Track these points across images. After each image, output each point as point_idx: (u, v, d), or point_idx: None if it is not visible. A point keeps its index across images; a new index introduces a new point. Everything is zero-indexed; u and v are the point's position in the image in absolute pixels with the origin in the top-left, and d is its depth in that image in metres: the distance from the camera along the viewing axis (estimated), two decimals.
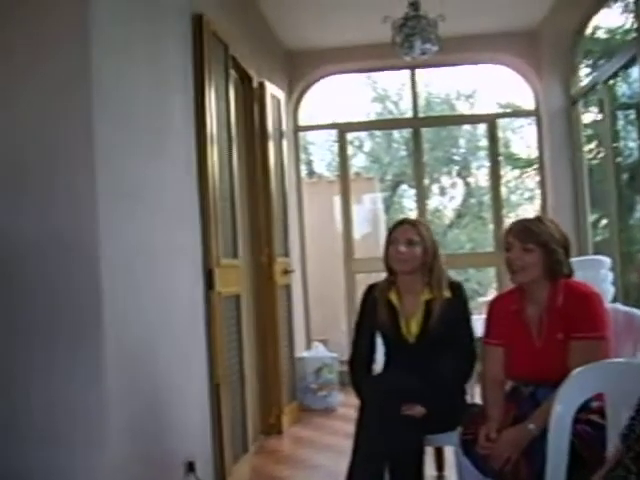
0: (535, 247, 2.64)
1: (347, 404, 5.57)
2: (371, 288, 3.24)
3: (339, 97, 11.48)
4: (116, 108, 2.82)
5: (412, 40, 4.91)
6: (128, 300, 2.82)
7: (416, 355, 3.06)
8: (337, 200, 7.52)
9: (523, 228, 2.70)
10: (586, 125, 6.66)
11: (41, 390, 2.60)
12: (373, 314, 3.15)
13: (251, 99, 5.19)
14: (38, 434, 2.59)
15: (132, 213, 2.92)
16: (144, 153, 3.09)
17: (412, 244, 3.06)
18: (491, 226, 8.10)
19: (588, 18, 6.21)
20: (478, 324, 3.09)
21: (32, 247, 2.63)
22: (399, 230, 3.13)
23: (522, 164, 13.20)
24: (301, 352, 6.17)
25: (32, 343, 2.62)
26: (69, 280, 2.62)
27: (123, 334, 2.75)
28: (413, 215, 9.33)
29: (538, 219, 2.79)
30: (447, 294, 3.09)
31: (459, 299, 3.12)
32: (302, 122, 7.21)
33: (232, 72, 4.48)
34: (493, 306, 2.89)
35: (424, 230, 3.12)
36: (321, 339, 6.54)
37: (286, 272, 5.57)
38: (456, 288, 3.14)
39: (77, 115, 2.64)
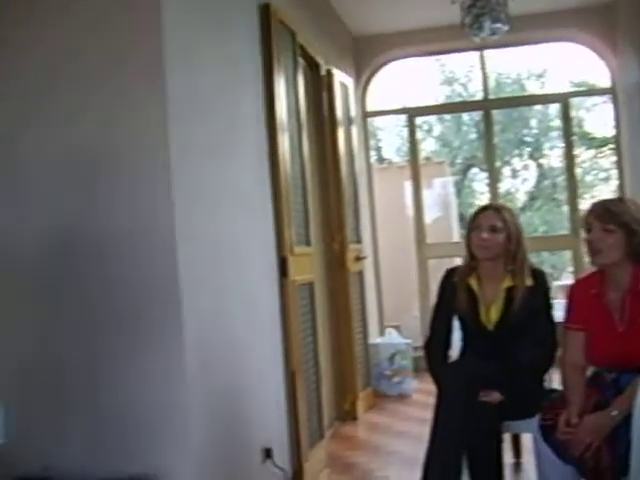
0: (616, 228, 2.56)
1: (421, 390, 5.56)
2: (450, 272, 3.20)
3: (407, 81, 11.40)
4: (189, 102, 2.85)
5: (481, 20, 4.81)
6: (205, 292, 2.86)
7: (494, 342, 3.02)
8: (407, 185, 7.45)
9: (604, 209, 2.62)
10: None
11: (122, 381, 2.67)
12: (452, 299, 3.11)
13: (319, 86, 5.19)
14: (121, 425, 2.65)
15: (207, 205, 2.96)
16: (218, 146, 3.12)
17: (495, 231, 3.00)
18: (565, 208, 7.92)
19: None
20: (556, 308, 3.02)
21: (112, 244, 2.68)
22: (482, 216, 3.07)
23: (597, 143, 12.89)
24: (375, 338, 6.16)
25: (113, 338, 2.69)
26: (148, 276, 2.67)
27: (202, 324, 2.80)
28: (485, 199, 9.21)
29: (619, 199, 2.72)
30: (529, 282, 3.02)
31: (541, 287, 3.05)
32: (370, 108, 7.17)
33: (300, 60, 4.48)
34: (573, 290, 2.82)
35: (508, 216, 3.05)
36: (394, 325, 6.51)
37: (358, 259, 5.57)
38: (539, 276, 3.07)
39: (153, 112, 2.67)
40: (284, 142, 3.84)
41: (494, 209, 3.10)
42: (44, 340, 2.72)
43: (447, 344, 3.18)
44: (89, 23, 2.73)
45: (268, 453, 3.33)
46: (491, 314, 3.04)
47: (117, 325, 2.68)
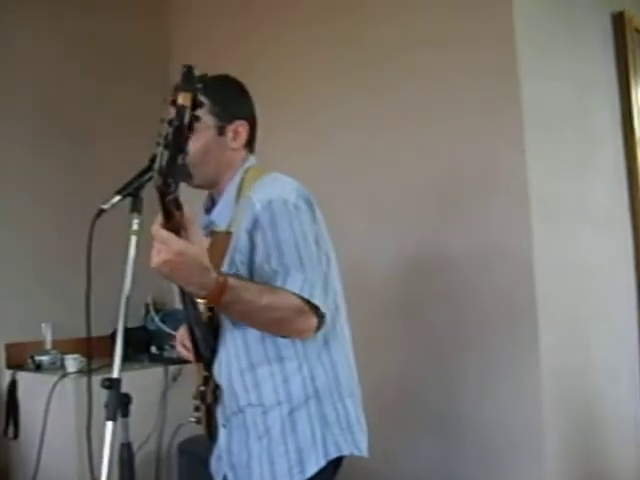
0: None
1: None
2: None
3: None
4: (544, 115, 2.73)
5: None
6: (563, 321, 2.70)
7: None
8: None
9: None
10: None
11: (476, 401, 2.60)
12: None
13: None
14: (477, 446, 2.56)
15: (562, 223, 2.79)
16: (570, 157, 2.94)
17: None
18: None
19: None
20: None
21: (464, 262, 2.64)
22: None
23: None
24: None
25: (466, 356, 2.66)
26: (503, 295, 2.59)
27: (558, 355, 2.64)
28: None
29: None
30: None
31: None
32: None
33: None
34: None
35: None
36: None
37: None
38: None
39: (508, 128, 2.60)
40: None
41: None
42: (403, 356, 2.75)
43: None
44: (434, 35, 2.75)
45: None
46: None
47: (469, 345, 2.64)
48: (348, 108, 3.05)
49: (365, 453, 1.72)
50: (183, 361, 3.18)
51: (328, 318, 1.62)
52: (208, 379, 1.79)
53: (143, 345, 3.35)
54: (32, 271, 3.48)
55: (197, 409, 1.86)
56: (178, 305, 3.76)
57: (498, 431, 2.55)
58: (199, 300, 1.44)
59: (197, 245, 1.33)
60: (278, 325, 1.56)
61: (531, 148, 2.57)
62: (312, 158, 3.13)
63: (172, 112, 1.23)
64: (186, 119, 1.20)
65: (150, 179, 1.58)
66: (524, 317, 2.52)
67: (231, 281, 1.41)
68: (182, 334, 1.90)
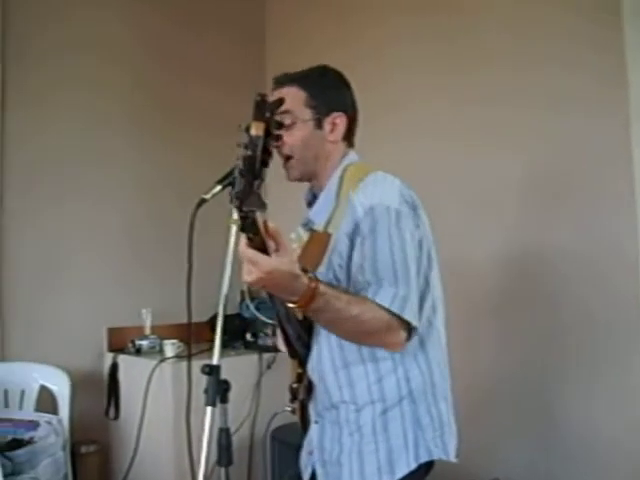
0: None
1: None
2: None
3: None
4: None
5: None
6: None
7: None
8: None
9: None
10: None
11: (576, 407, 2.53)
12: None
13: None
14: (579, 456, 2.49)
15: None
16: None
17: None
18: None
19: None
20: None
21: (567, 261, 2.56)
22: None
23: None
24: None
25: (562, 359, 2.57)
26: (608, 298, 2.47)
27: None
28: None
29: None
30: None
31: None
32: None
33: None
34: None
35: None
36: None
37: None
38: None
39: (616, 124, 2.47)
40: None
41: None
42: (497, 358, 2.70)
43: None
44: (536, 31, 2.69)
45: None
46: None
47: (569, 349, 2.57)
48: (452, 98, 2.99)
49: (454, 459, 1.69)
50: (277, 349, 3.25)
51: (424, 320, 1.60)
52: (302, 376, 1.79)
53: (238, 332, 3.41)
54: (133, 259, 3.62)
55: (293, 400, 1.88)
56: None
57: (602, 443, 2.45)
58: (289, 305, 1.44)
59: (287, 257, 1.33)
60: (365, 337, 1.55)
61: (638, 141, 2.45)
62: (411, 147, 3.10)
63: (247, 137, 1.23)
64: (259, 149, 1.20)
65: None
66: (631, 322, 2.40)
67: (322, 288, 1.41)
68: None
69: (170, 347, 3.17)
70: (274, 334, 3.47)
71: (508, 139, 2.77)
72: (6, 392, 3.12)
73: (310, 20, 3.82)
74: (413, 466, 1.63)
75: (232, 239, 1.55)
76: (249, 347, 3.37)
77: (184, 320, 3.16)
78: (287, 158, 1.74)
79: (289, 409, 1.89)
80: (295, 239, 1.76)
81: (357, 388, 1.67)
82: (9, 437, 2.90)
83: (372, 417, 1.66)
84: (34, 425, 2.97)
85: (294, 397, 1.83)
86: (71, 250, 3.47)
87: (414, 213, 1.61)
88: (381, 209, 1.56)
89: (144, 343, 3.33)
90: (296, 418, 1.90)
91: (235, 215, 1.52)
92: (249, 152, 1.20)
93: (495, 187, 2.80)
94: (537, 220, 2.67)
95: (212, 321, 3.23)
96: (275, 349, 3.24)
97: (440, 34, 3.07)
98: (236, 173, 1.21)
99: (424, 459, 1.64)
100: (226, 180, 1.60)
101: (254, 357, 3.22)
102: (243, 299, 3.69)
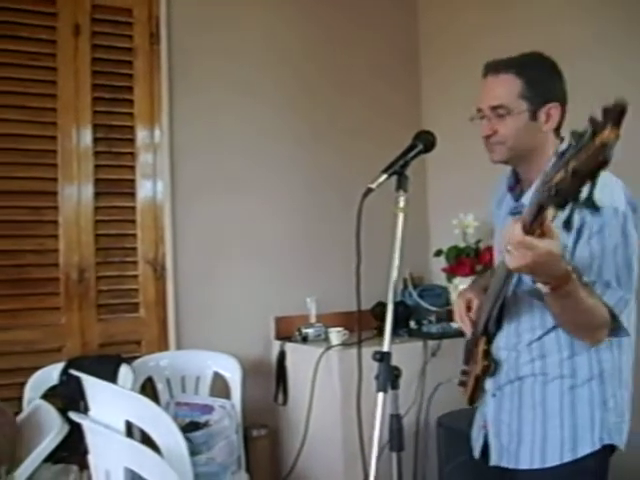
0: None
1: None
2: None
3: None
4: None
5: None
6: None
7: None
8: None
9: None
10: None
11: None
12: None
13: None
14: None
15: None
16: None
17: None
18: None
19: None
20: None
21: None
22: None
23: None
24: None
25: None
26: None
27: None
28: None
29: None
30: None
31: None
32: None
33: None
34: None
35: None
36: None
37: None
38: None
39: None
40: None
41: None
42: None
43: None
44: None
45: None
46: None
47: None
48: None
49: (623, 447, 1.67)
50: (441, 336, 3.23)
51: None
52: (487, 352, 1.80)
53: (402, 320, 3.41)
54: (298, 251, 3.73)
55: (465, 373, 1.91)
56: (435, 280, 3.81)
57: None
58: (540, 285, 1.44)
59: (557, 240, 1.32)
60: (584, 328, 1.58)
61: None
62: None
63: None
64: (610, 156, 1.06)
65: (418, 154, 1.62)
66: None
67: (573, 274, 1.42)
68: (461, 308, 1.93)
69: (335, 335, 3.22)
70: (439, 321, 3.46)
71: None
72: (183, 378, 3.31)
73: (466, 22, 3.75)
74: (597, 446, 1.62)
75: (399, 227, 1.56)
76: (413, 335, 3.37)
77: (347, 308, 3.26)
78: (496, 141, 1.73)
79: (457, 381, 1.94)
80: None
81: (549, 361, 1.69)
82: (187, 420, 3.09)
83: (560, 391, 1.67)
84: (209, 409, 3.13)
85: (482, 372, 1.82)
86: (240, 243, 3.63)
87: (635, 215, 1.61)
88: (609, 211, 1.55)
89: (310, 331, 3.41)
90: (463, 401, 1.92)
91: (402, 203, 1.54)
92: (600, 157, 1.06)
93: None
94: None
95: (375, 309, 3.26)
96: (440, 336, 3.23)
97: None
98: (566, 174, 1.11)
99: (607, 442, 1.63)
100: (391, 169, 1.61)
101: (418, 344, 3.22)
102: (406, 286, 3.69)
